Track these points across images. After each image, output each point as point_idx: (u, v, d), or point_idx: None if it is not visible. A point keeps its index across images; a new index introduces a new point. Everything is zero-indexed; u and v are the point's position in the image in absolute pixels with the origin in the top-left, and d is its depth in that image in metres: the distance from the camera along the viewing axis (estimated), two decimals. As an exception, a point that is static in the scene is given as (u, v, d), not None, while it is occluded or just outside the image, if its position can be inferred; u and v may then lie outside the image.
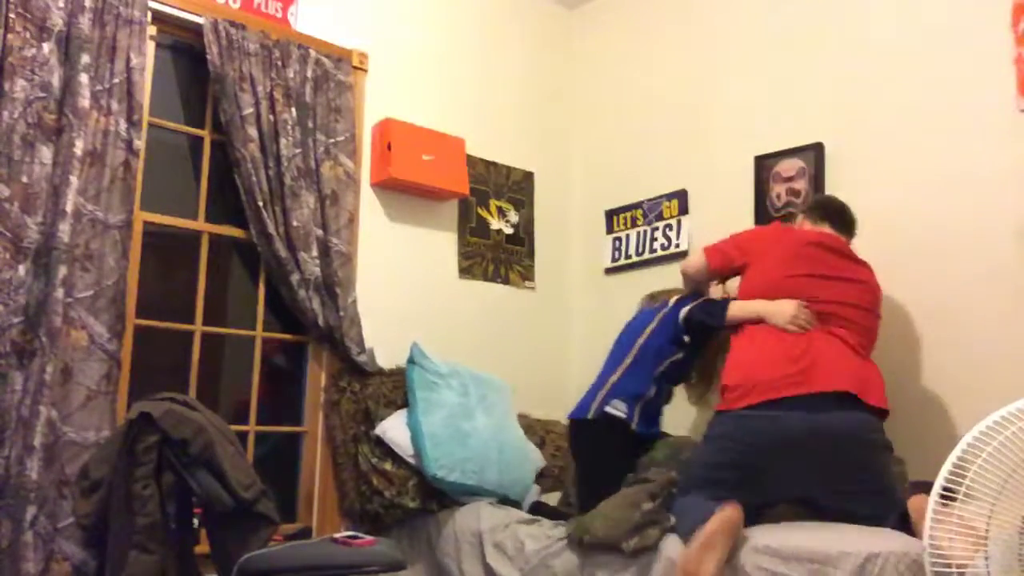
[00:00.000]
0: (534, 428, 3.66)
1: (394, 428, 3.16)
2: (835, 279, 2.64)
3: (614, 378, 2.87)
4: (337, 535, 2.48)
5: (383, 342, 3.41)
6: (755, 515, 2.32)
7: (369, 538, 2.46)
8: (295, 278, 3.17)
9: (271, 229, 3.12)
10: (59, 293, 2.58)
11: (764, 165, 3.49)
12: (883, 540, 2.02)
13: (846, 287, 2.64)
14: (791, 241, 2.74)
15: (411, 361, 3.30)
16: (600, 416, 2.79)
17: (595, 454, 2.81)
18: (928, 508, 1.79)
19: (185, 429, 2.30)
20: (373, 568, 2.33)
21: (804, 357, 2.44)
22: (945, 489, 1.78)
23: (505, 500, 3.15)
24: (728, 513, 2.12)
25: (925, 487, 2.32)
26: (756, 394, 2.38)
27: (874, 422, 2.40)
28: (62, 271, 2.59)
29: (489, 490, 3.09)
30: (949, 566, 1.73)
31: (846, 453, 2.32)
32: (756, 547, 2.13)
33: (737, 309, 2.71)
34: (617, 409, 2.79)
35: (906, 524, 2.14)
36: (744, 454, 2.36)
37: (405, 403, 3.26)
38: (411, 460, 3.09)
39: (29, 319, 2.56)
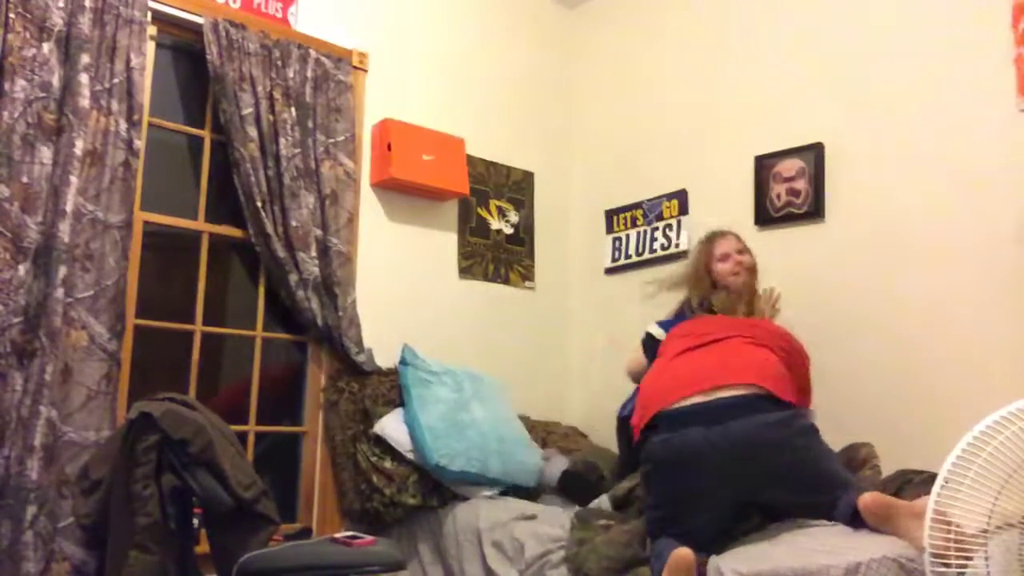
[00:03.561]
0: (535, 430, 3.65)
1: (392, 425, 3.17)
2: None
3: None
4: (337, 535, 2.48)
5: (383, 342, 3.41)
6: (725, 534, 2.29)
7: (369, 538, 2.45)
8: (293, 278, 3.17)
9: (269, 229, 3.12)
10: (59, 293, 2.58)
11: (764, 165, 3.49)
12: (861, 546, 1.98)
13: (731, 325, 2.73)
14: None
15: (403, 362, 3.31)
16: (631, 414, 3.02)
17: (629, 445, 2.95)
18: (928, 510, 1.79)
19: (185, 429, 2.30)
20: (373, 568, 2.33)
21: (703, 368, 2.45)
22: (944, 489, 1.78)
23: (512, 489, 3.16)
24: (676, 557, 2.11)
25: (906, 481, 2.31)
26: (651, 409, 2.37)
27: (774, 420, 2.31)
28: (62, 271, 2.59)
29: (493, 479, 3.09)
30: (948, 567, 1.73)
31: (758, 461, 2.26)
32: (738, 574, 2.11)
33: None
34: None
35: (858, 521, 2.10)
36: (664, 480, 2.34)
37: (402, 402, 3.26)
38: (410, 456, 3.10)
39: (29, 319, 2.55)
